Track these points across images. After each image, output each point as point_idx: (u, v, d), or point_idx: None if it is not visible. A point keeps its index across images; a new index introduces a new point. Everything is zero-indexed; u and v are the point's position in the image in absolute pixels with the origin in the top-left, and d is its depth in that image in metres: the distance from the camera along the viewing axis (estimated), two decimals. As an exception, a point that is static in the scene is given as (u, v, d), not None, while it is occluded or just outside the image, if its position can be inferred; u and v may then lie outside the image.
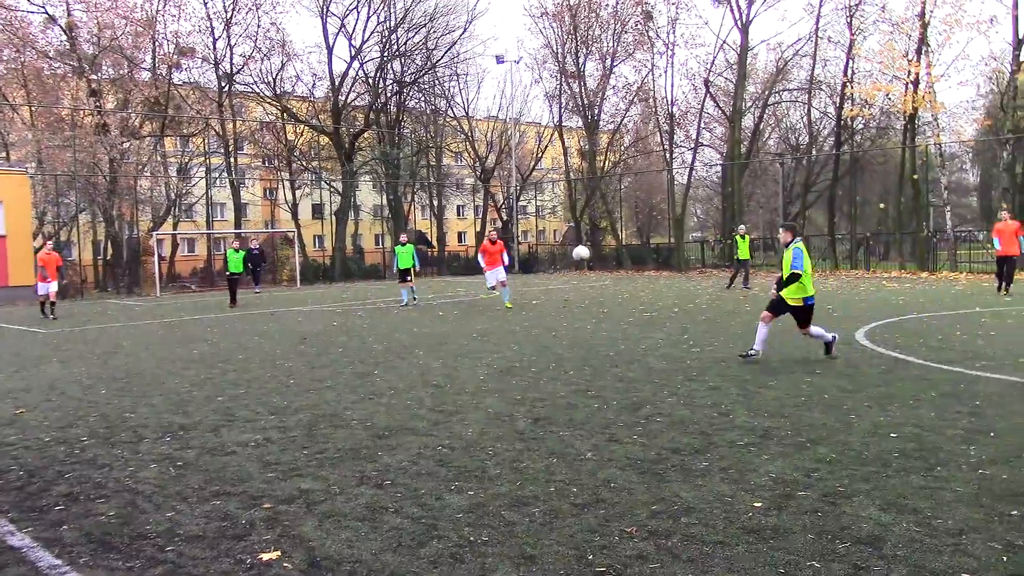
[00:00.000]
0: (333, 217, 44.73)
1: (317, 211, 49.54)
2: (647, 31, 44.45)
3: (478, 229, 52.24)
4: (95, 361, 12.51)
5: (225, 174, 43.17)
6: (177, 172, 42.28)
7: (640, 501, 5.09)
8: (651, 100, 46.08)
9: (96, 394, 9.53)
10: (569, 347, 12.42)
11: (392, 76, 46.04)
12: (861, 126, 42.60)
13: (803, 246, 10.20)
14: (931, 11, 33.98)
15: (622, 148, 51.41)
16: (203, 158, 43.29)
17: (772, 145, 50.54)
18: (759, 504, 4.96)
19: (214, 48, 40.69)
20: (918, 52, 34.55)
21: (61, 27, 35.76)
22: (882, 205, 44.54)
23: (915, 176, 36.46)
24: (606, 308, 19.33)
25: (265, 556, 4.40)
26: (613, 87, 47.44)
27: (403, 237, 23.28)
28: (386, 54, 44.70)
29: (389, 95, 46.27)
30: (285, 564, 4.29)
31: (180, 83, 40.50)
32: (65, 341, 15.60)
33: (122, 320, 20.35)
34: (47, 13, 35.51)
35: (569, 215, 53.08)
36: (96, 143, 34.12)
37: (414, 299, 22.00)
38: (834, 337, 10.59)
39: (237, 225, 42.80)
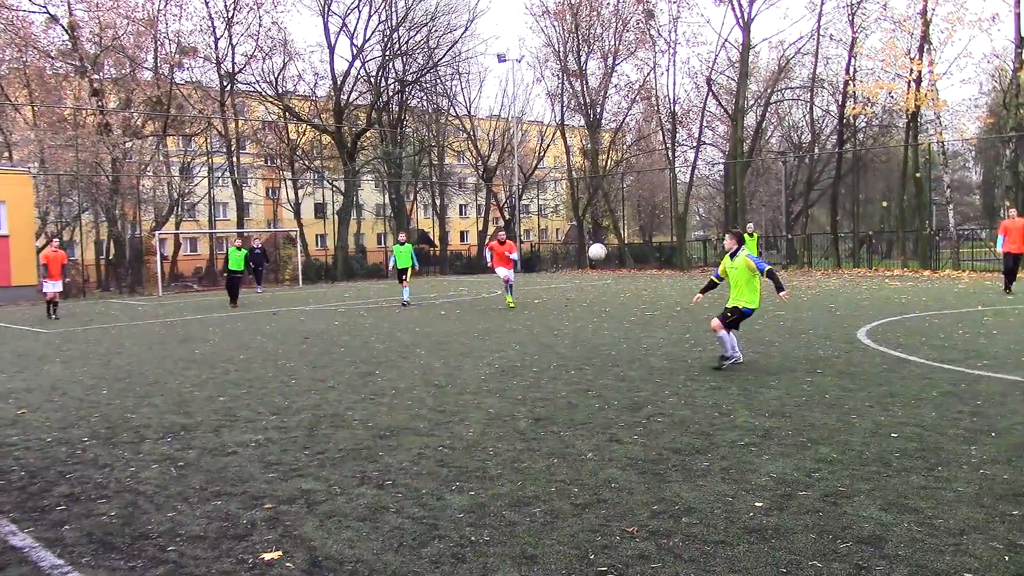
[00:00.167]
0: (335, 216, 44.74)
1: (319, 210, 49.55)
2: (649, 29, 44.44)
3: (480, 228, 52.24)
4: (97, 361, 12.52)
5: (227, 173, 43.19)
6: (179, 172, 42.32)
7: (641, 501, 5.09)
8: (653, 98, 46.05)
9: (98, 394, 9.54)
10: (571, 346, 12.42)
11: (394, 75, 46.07)
12: (863, 124, 42.56)
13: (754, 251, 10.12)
14: (933, 9, 33.96)
15: (624, 147, 51.41)
16: (205, 157, 43.29)
17: (774, 143, 50.53)
18: (760, 504, 4.96)
19: (216, 47, 40.74)
20: (920, 50, 34.51)
21: (63, 27, 35.81)
22: (884, 203, 44.51)
23: (918, 174, 36.42)
24: (608, 307, 19.32)
25: (267, 556, 4.40)
26: (615, 86, 47.48)
27: (402, 236, 23.01)
28: (388, 53, 44.71)
29: (391, 94, 46.28)
30: (287, 564, 4.30)
31: (182, 82, 40.54)
32: (67, 341, 15.62)
33: (124, 320, 20.37)
34: (49, 13, 35.58)
35: (571, 214, 53.08)
36: (98, 143, 34.17)
37: (406, 300, 21.53)
38: (734, 359, 9.90)
39: (240, 224, 42.84)
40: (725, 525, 4.64)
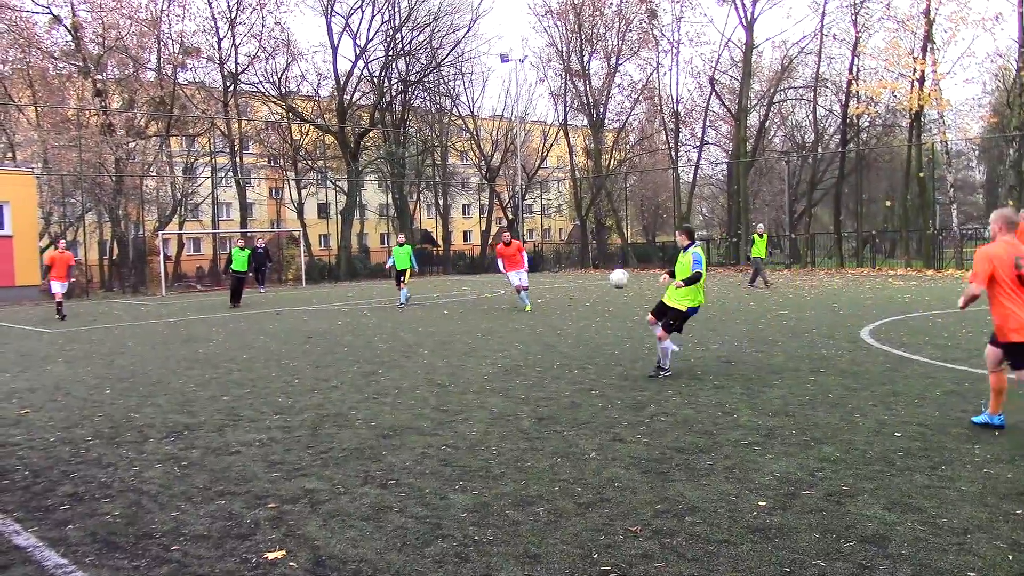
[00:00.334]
0: (339, 216, 44.78)
1: (323, 210, 49.61)
2: (652, 29, 44.49)
3: (483, 228, 52.27)
4: (100, 361, 12.54)
5: (231, 173, 43.26)
6: (183, 172, 42.39)
7: (644, 500, 5.09)
8: (656, 98, 46.05)
9: (101, 394, 9.56)
10: (574, 346, 12.42)
11: (397, 75, 46.12)
12: (867, 124, 42.53)
13: (703, 252, 9.59)
14: (936, 8, 33.92)
15: (627, 146, 51.40)
16: (209, 158, 43.37)
17: (778, 143, 50.49)
18: (764, 503, 4.96)
19: (219, 48, 40.82)
20: (924, 49, 34.47)
21: (66, 27, 35.88)
22: (888, 203, 44.47)
23: (921, 174, 36.38)
24: (611, 307, 19.31)
25: (270, 555, 4.41)
26: (618, 85, 47.48)
27: (400, 237, 22.60)
28: (391, 53, 44.76)
29: (394, 94, 46.32)
30: (290, 563, 4.30)
31: (185, 83, 40.61)
32: (70, 341, 15.65)
33: (128, 320, 20.40)
34: (52, 14, 35.66)
35: (574, 214, 53.08)
36: (102, 143, 34.22)
37: (400, 302, 21.16)
38: (667, 369, 9.52)
39: (243, 224, 42.90)
40: (728, 524, 4.63)
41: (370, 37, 44.20)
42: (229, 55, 41.09)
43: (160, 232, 37.04)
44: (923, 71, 34.27)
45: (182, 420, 7.91)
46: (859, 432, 6.61)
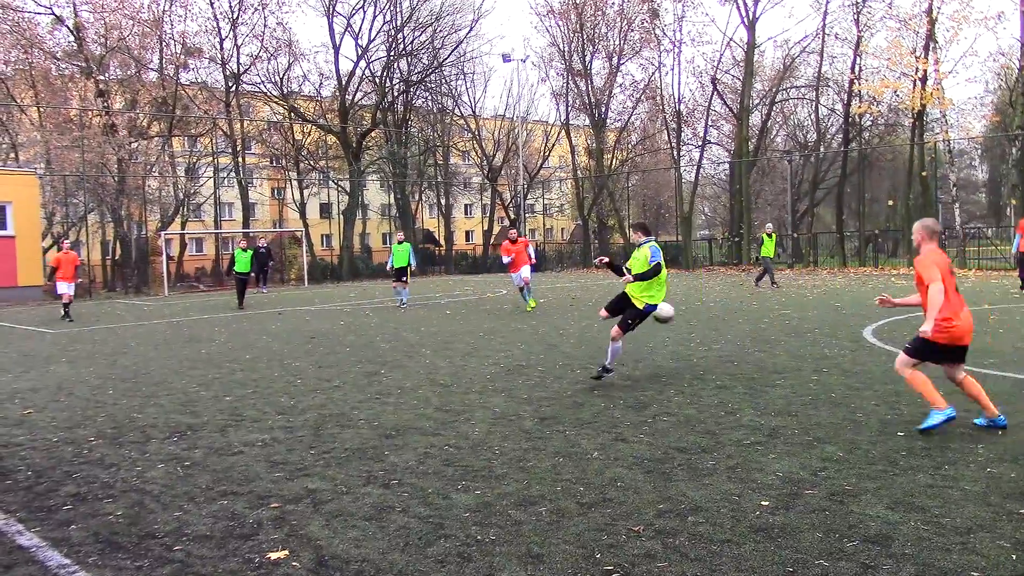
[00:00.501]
0: (341, 216, 44.81)
1: (325, 210, 49.65)
2: (654, 29, 44.40)
3: (485, 228, 52.29)
4: (103, 361, 12.55)
5: (233, 174, 43.30)
6: (185, 172, 42.44)
7: (647, 500, 5.08)
8: (658, 98, 46.01)
9: (104, 394, 9.57)
10: (576, 345, 12.41)
11: (399, 75, 46.14)
12: (869, 123, 42.47)
13: (658, 246, 9.30)
14: (938, 7, 33.89)
15: (629, 146, 51.36)
16: (211, 158, 43.42)
17: (780, 142, 50.43)
18: (766, 503, 4.95)
19: (221, 48, 40.83)
20: (926, 48, 34.44)
21: (68, 28, 35.93)
22: (890, 202, 44.42)
23: (924, 173, 36.35)
24: (613, 306, 19.27)
25: (273, 555, 4.41)
26: (620, 85, 47.40)
27: (399, 236, 22.39)
28: (392, 53, 44.78)
29: (396, 94, 46.34)
30: (293, 563, 4.30)
31: (187, 83, 40.65)
32: (73, 341, 15.66)
33: (130, 320, 20.42)
34: (54, 14, 35.71)
35: (576, 213, 53.06)
36: (104, 143, 34.27)
37: (402, 302, 20.93)
38: (612, 370, 9.27)
39: (245, 225, 42.93)
40: (731, 524, 4.63)
41: (372, 37, 44.31)
42: (231, 55, 41.16)
43: (163, 232, 37.07)
44: (925, 70, 34.23)
45: (185, 420, 7.92)
46: (862, 432, 6.60)
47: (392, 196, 48.31)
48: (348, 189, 45.20)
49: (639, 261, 9.19)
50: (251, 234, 35.93)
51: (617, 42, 45.82)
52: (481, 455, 6.28)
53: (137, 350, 13.88)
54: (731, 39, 43.39)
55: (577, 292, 25.03)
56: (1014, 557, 4.04)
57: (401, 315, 18.92)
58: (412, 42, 45.39)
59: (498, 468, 5.91)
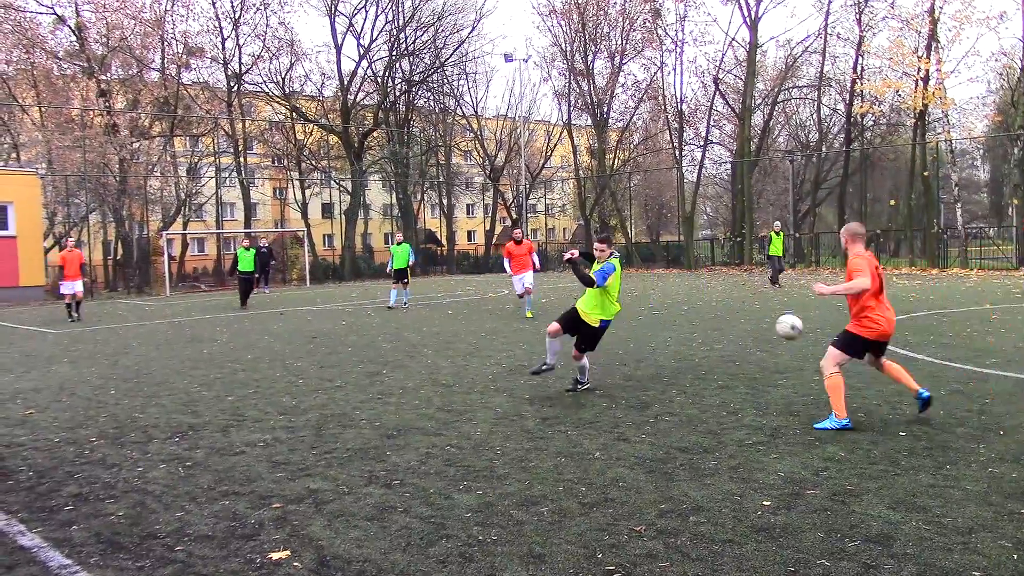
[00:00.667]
0: (343, 216, 44.83)
1: (327, 210, 49.65)
2: (656, 28, 44.39)
3: (487, 228, 52.30)
4: (105, 361, 12.56)
5: (235, 174, 43.31)
6: (187, 172, 42.46)
7: (649, 500, 5.08)
8: (660, 98, 46.00)
9: (106, 394, 9.57)
10: (578, 346, 12.39)
11: (401, 75, 46.14)
12: (871, 123, 42.46)
13: (619, 264, 8.73)
14: (940, 7, 33.87)
15: (631, 146, 51.35)
16: (213, 158, 43.44)
17: (782, 142, 50.40)
18: (768, 503, 4.95)
19: (223, 48, 40.84)
20: (928, 48, 34.42)
21: (70, 28, 35.95)
22: (892, 202, 44.37)
23: (926, 173, 36.32)
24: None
25: (274, 555, 4.41)
26: (622, 85, 47.42)
27: (399, 236, 22.19)
28: (395, 53, 44.79)
29: (398, 94, 46.35)
30: (295, 564, 4.30)
31: (189, 83, 40.66)
32: (75, 342, 15.68)
33: (132, 320, 20.44)
34: (56, 14, 35.72)
35: (578, 213, 53.05)
36: (106, 143, 34.30)
37: (404, 303, 20.73)
38: (586, 382, 8.97)
39: (247, 224, 42.96)
40: (733, 524, 4.63)
41: (374, 37, 44.33)
42: (233, 55, 41.19)
43: (164, 232, 37.09)
44: (927, 70, 34.21)
45: (186, 420, 7.93)
46: (864, 431, 6.59)
47: (394, 196, 48.33)
48: (350, 189, 45.21)
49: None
50: (253, 234, 35.93)
51: (619, 42, 45.85)
52: (483, 455, 6.28)
53: (139, 350, 13.89)
54: (733, 39, 43.45)
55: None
56: (1015, 557, 4.04)
57: (402, 315, 18.93)
58: (414, 42, 45.44)
59: (500, 468, 5.91)
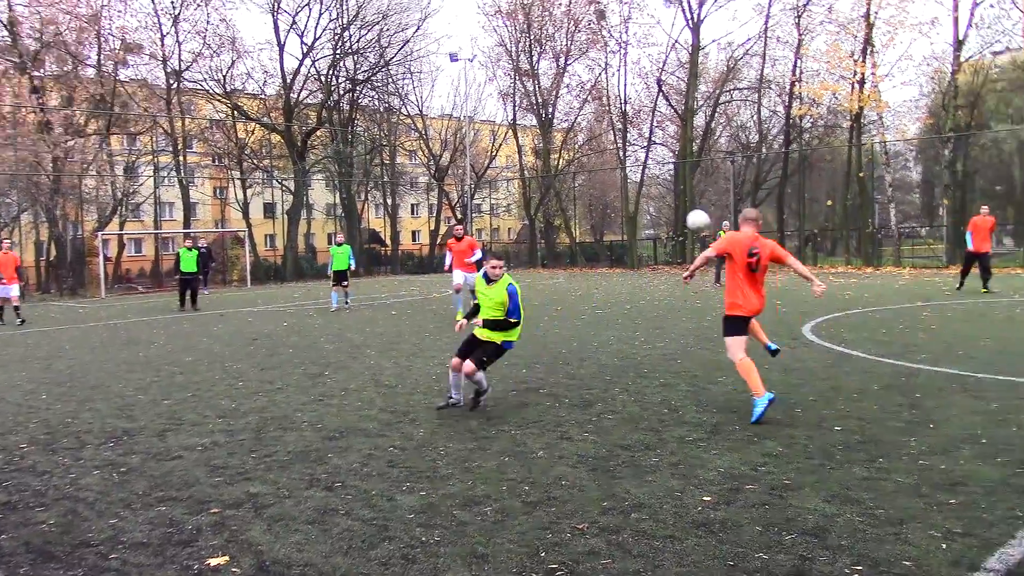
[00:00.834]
0: (285, 216, 44.23)
1: (269, 210, 48.93)
2: (600, 30, 44.76)
3: (432, 228, 52.11)
4: (36, 365, 12.20)
5: (174, 173, 42.41)
6: (124, 171, 41.43)
7: (591, 498, 5.12)
8: (604, 98, 46.36)
9: (37, 399, 9.30)
10: (521, 345, 12.36)
11: (345, 74, 45.69)
12: (809, 125, 43.35)
13: (518, 286, 8.05)
14: (876, 12, 34.74)
15: (576, 146, 51.67)
16: (151, 156, 42.48)
17: (723, 143, 51.19)
18: (708, 498, 5.02)
19: (162, 45, 39.95)
20: (863, 52, 35.30)
21: (2, 22, 34.80)
22: (829, 202, 45.44)
23: (861, 174, 37.23)
24: (559, 306, 19.39)
25: (213, 562, 4.33)
26: (567, 86, 47.70)
27: (339, 236, 21.77)
28: (338, 51, 44.32)
29: (342, 93, 45.89)
30: (233, 569, 4.23)
31: (127, 80, 39.68)
32: (5, 345, 15.20)
33: (65, 323, 19.89)
34: (-14, 8, 34.56)
35: (523, 213, 53.19)
36: (38, 141, 33.28)
37: (346, 303, 20.34)
38: (482, 402, 7.93)
39: (186, 225, 42.08)
40: (674, 520, 4.68)
41: (317, 35, 43.75)
42: (172, 52, 40.32)
43: (100, 233, 36.16)
44: (863, 73, 35.09)
45: (121, 425, 7.74)
46: (800, 427, 6.73)
47: (337, 196, 47.85)
48: (293, 188, 44.62)
49: (494, 303, 7.88)
50: (193, 234, 35.23)
51: (564, 43, 46.11)
52: (426, 456, 6.25)
53: (72, 353, 13.53)
54: (676, 41, 43.89)
55: (523, 292, 25.06)
56: (944, 546, 4.16)
57: (345, 316, 18.75)
58: (358, 40, 45.00)
59: (443, 469, 5.89)
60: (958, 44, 33.76)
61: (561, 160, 49.91)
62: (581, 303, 20.07)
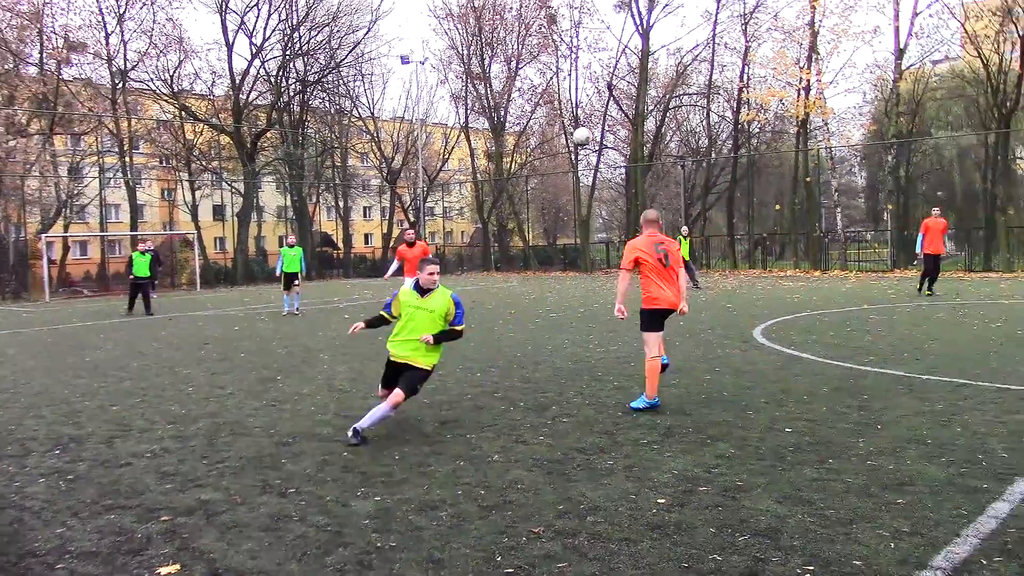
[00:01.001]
0: (235, 218, 43.62)
1: (218, 212, 48.22)
2: (551, 34, 45.00)
3: (385, 231, 51.82)
4: (-22, 371, 11.86)
5: (119, 174, 41.55)
6: (68, 172, 40.47)
7: (547, 501, 5.13)
8: (556, 102, 46.59)
9: (-21, 406, 9.04)
10: (476, 349, 12.43)
11: (295, 75, 45.25)
12: (757, 130, 44.12)
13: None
14: (820, 20, 35.52)
15: (528, 150, 51.83)
16: (96, 157, 41.56)
17: (673, 148, 51.81)
18: (663, 500, 5.07)
19: (107, 43, 39.20)
20: (808, 60, 36.03)
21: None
22: (777, 206, 46.23)
23: (808, 179, 37.96)
24: (513, 310, 19.43)
25: (163, 571, 4.25)
26: (519, 89, 47.92)
27: (291, 238, 21.26)
28: (288, 52, 43.89)
29: (292, 94, 45.44)
30: (184, 578, 4.16)
31: (70, 79, 38.80)
32: (-56, 350, 14.74)
33: (7, 327, 19.36)
34: (-78, 3, 33.54)
35: (476, 216, 53.18)
36: (-22, 141, 32.39)
37: (296, 309, 19.83)
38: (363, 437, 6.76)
39: (133, 227, 41.29)
40: (629, 523, 4.72)
41: (267, 36, 43.32)
42: (117, 51, 39.56)
43: (43, 235, 35.27)
44: (808, 80, 35.81)
45: (68, 432, 7.55)
46: (752, 429, 6.83)
47: (288, 198, 47.33)
48: (242, 191, 44.02)
49: (434, 316, 7.18)
50: (140, 236, 34.49)
51: (515, 46, 46.30)
52: (381, 461, 6.22)
53: (15, 359, 13.17)
54: (626, 46, 44.39)
55: (477, 295, 25.07)
56: (892, 545, 4.25)
57: (298, 320, 18.56)
58: (308, 42, 44.63)
59: (398, 473, 5.86)
60: (899, 53, 34.64)
61: (514, 163, 50.05)
62: (535, 306, 20.13)
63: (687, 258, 24.66)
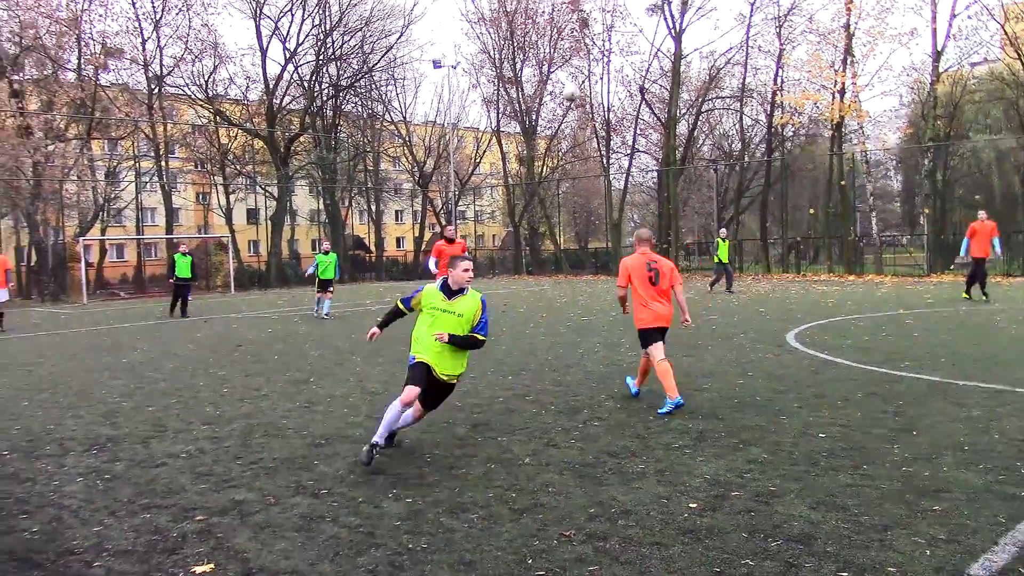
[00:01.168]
0: (268, 222, 44.04)
1: (252, 216, 48.67)
2: (583, 38, 44.91)
3: (416, 235, 52.03)
4: (18, 371, 12.08)
5: (155, 178, 42.15)
6: (105, 176, 41.12)
7: (578, 505, 5.13)
8: (588, 106, 46.49)
9: (18, 406, 9.21)
10: (508, 352, 12.44)
11: (328, 80, 45.60)
12: (791, 133, 43.67)
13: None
14: (856, 23, 35.09)
15: (559, 154, 51.76)
16: (133, 161, 42.19)
17: (706, 151, 51.46)
18: (694, 505, 5.04)
19: (143, 49, 39.76)
20: (844, 62, 35.60)
21: (-19, 27, 34.55)
22: (811, 210, 45.74)
23: (842, 182, 37.50)
24: (544, 313, 19.41)
25: (198, 569, 4.30)
26: (550, 93, 47.81)
27: (325, 244, 21.38)
28: (321, 57, 44.24)
29: (325, 99, 45.79)
30: (219, 577, 4.21)
31: (108, 84, 39.42)
32: (-14, 351, 15.04)
33: (46, 329, 19.71)
34: (-35, 12, 34.28)
35: (508, 220, 53.21)
36: (18, 146, 32.98)
37: (327, 314, 19.78)
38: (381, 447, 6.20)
39: (169, 230, 41.85)
40: (660, 527, 4.70)
41: (300, 41, 43.69)
42: (154, 57, 40.12)
43: (81, 238, 35.87)
44: (843, 83, 35.38)
45: (105, 432, 7.68)
46: (785, 434, 6.77)
47: (321, 202, 47.70)
48: (276, 194, 44.45)
49: (461, 319, 6.51)
50: (175, 240, 34.94)
51: (547, 50, 46.25)
52: (413, 463, 6.24)
53: (54, 360, 13.41)
54: (659, 50, 44.07)
55: (509, 299, 25.09)
56: (928, 552, 4.20)
57: (330, 323, 18.69)
58: (341, 47, 44.95)
59: (430, 475, 5.88)
60: (937, 55, 34.13)
61: (545, 167, 50.00)
62: (566, 310, 20.10)
63: (725, 260, 24.51)
